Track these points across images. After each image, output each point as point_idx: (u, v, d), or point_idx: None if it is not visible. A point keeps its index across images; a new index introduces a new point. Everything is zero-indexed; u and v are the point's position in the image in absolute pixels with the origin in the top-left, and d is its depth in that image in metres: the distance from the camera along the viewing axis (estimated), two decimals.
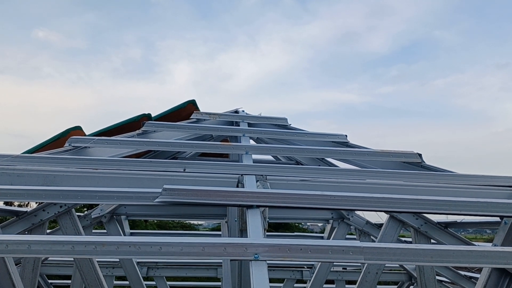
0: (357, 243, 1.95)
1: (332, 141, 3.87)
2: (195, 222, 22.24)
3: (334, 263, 6.08)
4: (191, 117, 4.16)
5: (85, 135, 3.76)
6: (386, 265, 5.23)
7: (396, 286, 6.76)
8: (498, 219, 2.69)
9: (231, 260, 3.09)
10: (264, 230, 2.32)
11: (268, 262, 1.88)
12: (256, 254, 1.89)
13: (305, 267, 6.59)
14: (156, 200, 2.35)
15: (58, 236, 3.11)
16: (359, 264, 5.85)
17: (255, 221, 2.20)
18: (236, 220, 3.14)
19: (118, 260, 5.77)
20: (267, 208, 2.51)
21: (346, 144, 3.80)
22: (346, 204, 2.44)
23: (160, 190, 2.35)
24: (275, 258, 1.92)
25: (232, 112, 4.43)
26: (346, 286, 6.37)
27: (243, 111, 4.50)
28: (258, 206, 2.34)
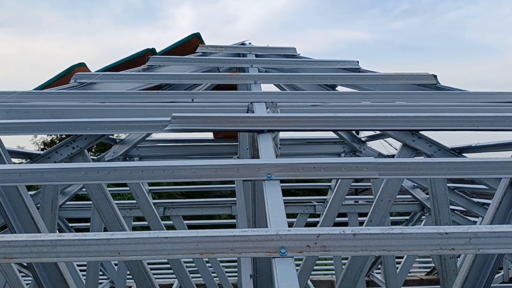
0: (371, 159, 1.91)
1: (343, 68, 3.74)
2: None
3: (346, 197, 6.14)
4: (196, 51, 4.03)
5: (90, 71, 3.69)
6: (397, 196, 5.25)
7: (408, 217, 6.88)
8: None
9: (243, 181, 3.09)
10: (277, 156, 2.28)
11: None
12: (269, 174, 1.86)
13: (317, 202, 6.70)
14: (166, 128, 2.32)
15: (70, 163, 3.11)
16: (371, 197, 5.90)
17: (266, 145, 2.16)
18: (247, 148, 3.12)
19: (135, 201, 5.91)
20: (278, 133, 2.47)
21: (358, 70, 3.68)
22: (359, 124, 2.39)
23: (169, 119, 2.31)
24: (288, 177, 1.90)
25: (238, 45, 4.28)
26: (359, 218, 6.48)
27: (250, 43, 4.35)
28: (269, 131, 2.29)
